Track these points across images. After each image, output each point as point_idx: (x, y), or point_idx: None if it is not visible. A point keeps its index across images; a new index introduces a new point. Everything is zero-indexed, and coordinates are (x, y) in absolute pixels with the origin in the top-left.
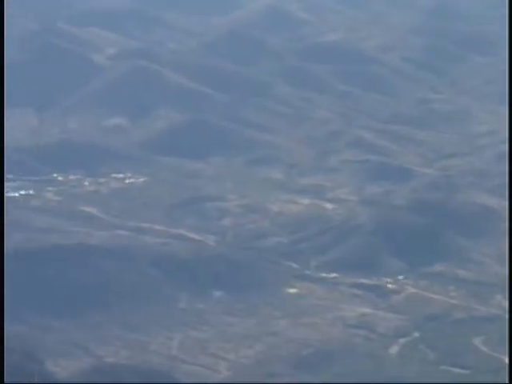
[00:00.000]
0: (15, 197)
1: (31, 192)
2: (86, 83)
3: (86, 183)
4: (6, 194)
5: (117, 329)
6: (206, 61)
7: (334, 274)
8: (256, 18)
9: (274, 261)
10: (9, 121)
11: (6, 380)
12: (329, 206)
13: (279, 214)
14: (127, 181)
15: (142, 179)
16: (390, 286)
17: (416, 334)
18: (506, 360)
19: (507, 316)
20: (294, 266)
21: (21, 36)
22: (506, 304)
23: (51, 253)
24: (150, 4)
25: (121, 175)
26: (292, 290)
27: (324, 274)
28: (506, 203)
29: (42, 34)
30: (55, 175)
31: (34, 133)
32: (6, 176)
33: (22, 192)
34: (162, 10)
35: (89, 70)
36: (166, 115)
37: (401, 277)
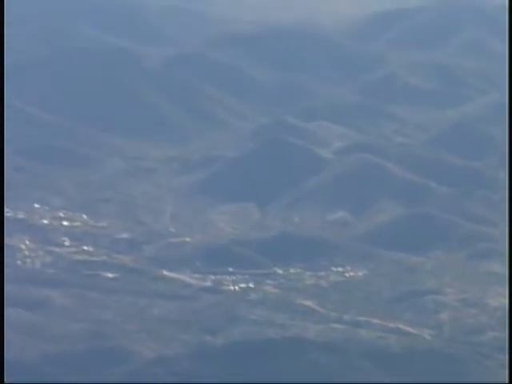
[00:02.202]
0: (235, 290)
1: (250, 285)
2: (310, 177)
3: (306, 276)
4: (223, 287)
5: None
6: (432, 154)
7: None
8: (485, 111)
9: (490, 356)
10: (232, 214)
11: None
12: None
13: (498, 309)
14: (347, 274)
15: (361, 273)
16: None
17: None
18: None
19: (507, 315)
20: None
21: (251, 130)
22: None
23: (266, 346)
24: (379, 98)
25: (341, 269)
26: None
27: None
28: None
29: (270, 127)
30: (275, 268)
31: (257, 226)
32: (228, 269)
33: (242, 285)
34: (392, 104)
35: (314, 164)
36: (388, 209)
37: None
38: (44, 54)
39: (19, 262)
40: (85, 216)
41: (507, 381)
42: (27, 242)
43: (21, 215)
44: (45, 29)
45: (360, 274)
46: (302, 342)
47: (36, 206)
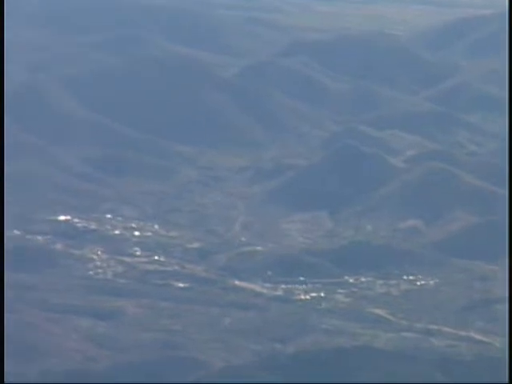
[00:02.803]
0: (306, 299)
1: (322, 294)
2: (382, 185)
3: (377, 285)
4: (294, 297)
5: None
6: (504, 162)
7: None
8: None
9: None
10: (303, 223)
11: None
12: None
13: None
14: (418, 283)
15: (433, 281)
16: None
17: None
18: None
19: (507, 315)
20: None
21: (323, 138)
22: None
23: (336, 355)
24: (453, 107)
25: (412, 277)
26: None
27: None
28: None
29: (342, 136)
30: (346, 277)
31: (328, 235)
32: (299, 278)
33: (313, 294)
34: (465, 112)
35: (386, 173)
36: (460, 217)
37: None
38: (115, 63)
39: (91, 273)
40: (156, 226)
41: (507, 381)
42: (99, 253)
43: (93, 226)
44: (116, 38)
45: (431, 282)
46: (372, 350)
47: (108, 216)
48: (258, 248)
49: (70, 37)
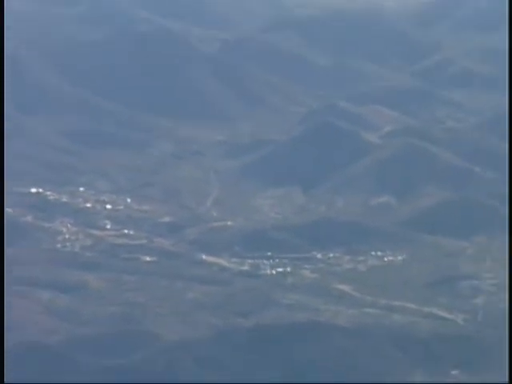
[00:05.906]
0: (271, 274)
1: (288, 269)
2: (356, 161)
3: (345, 261)
4: (260, 272)
5: None
6: (480, 139)
7: None
8: None
9: None
10: (276, 199)
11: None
12: None
13: None
14: (386, 259)
15: (401, 257)
16: None
17: None
18: None
19: (507, 315)
20: None
21: (302, 114)
22: None
23: (293, 330)
24: (435, 83)
25: (380, 253)
26: None
27: None
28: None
29: (321, 112)
30: (314, 253)
31: (300, 211)
32: (266, 254)
33: (279, 269)
34: (448, 89)
35: (360, 148)
36: (433, 193)
37: None
38: (95, 37)
39: (59, 246)
40: (129, 200)
41: (507, 381)
42: (69, 226)
43: (64, 199)
44: (97, 11)
45: (399, 258)
46: (331, 326)
47: (81, 189)
48: (229, 223)
49: (51, 9)
